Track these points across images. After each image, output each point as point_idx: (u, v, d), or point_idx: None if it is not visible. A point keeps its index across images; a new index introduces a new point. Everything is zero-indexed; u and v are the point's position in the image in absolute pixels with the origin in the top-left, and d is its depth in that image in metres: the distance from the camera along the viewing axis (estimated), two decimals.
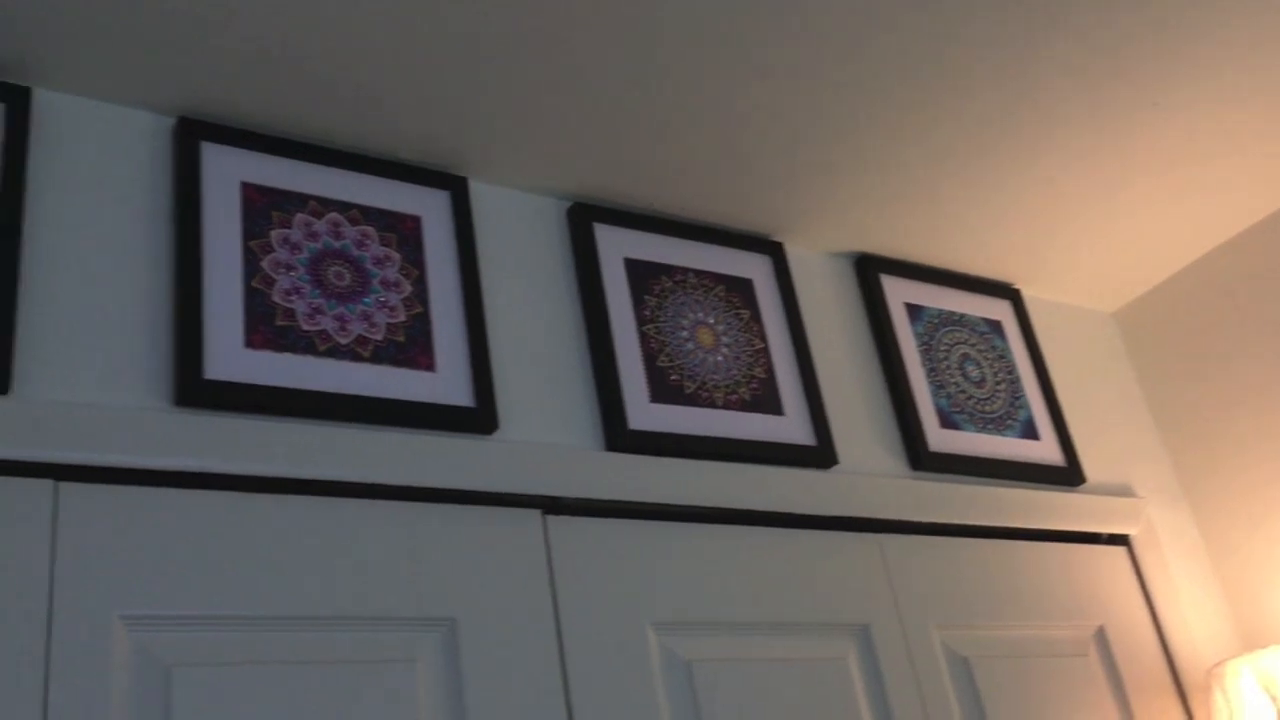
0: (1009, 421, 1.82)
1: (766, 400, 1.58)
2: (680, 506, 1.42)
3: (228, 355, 1.20)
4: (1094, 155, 1.68)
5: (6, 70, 1.21)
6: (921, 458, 1.67)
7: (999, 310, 1.95)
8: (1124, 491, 1.89)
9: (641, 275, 1.57)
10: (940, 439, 1.72)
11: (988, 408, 1.81)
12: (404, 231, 1.40)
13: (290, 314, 1.26)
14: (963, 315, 1.89)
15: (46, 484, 1.07)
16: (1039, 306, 2.04)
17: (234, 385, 1.19)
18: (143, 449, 1.11)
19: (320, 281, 1.31)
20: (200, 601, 1.09)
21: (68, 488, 1.08)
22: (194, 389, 1.16)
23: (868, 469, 1.63)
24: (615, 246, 1.56)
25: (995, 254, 1.90)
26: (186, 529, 1.11)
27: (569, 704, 1.23)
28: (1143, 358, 2.07)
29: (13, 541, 1.03)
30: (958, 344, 1.85)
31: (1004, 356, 1.89)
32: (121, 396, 1.14)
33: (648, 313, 1.54)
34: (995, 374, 1.86)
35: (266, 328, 1.24)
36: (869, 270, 1.81)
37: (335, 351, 1.27)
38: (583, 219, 1.55)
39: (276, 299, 1.26)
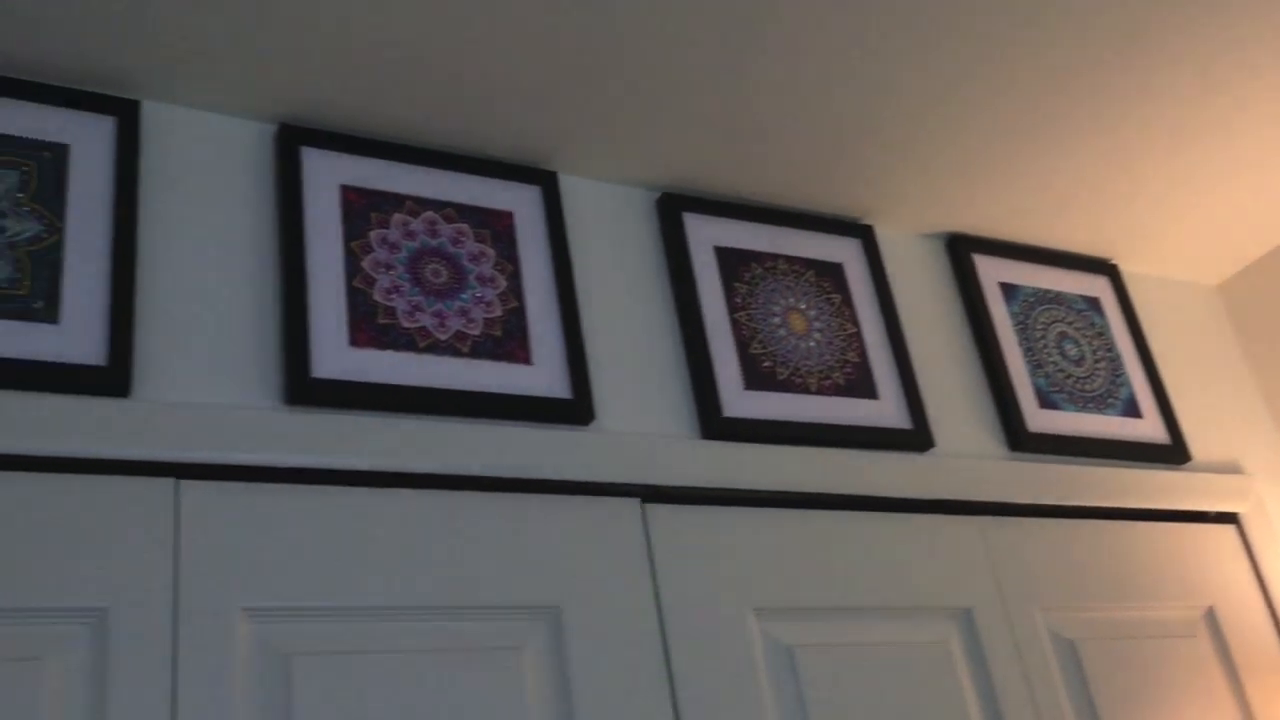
0: (1110, 400, 1.79)
1: (861, 384, 1.57)
2: (777, 492, 1.42)
3: (333, 354, 1.24)
4: (1194, 124, 1.64)
5: (116, 84, 1.26)
6: (1021, 439, 1.65)
7: (1096, 287, 1.91)
8: (1231, 468, 1.85)
9: (732, 263, 1.57)
10: (1039, 419, 1.69)
11: (1087, 386, 1.78)
12: (497, 228, 1.42)
13: (391, 312, 1.30)
14: (1059, 293, 1.86)
15: (168, 483, 1.11)
16: (1138, 281, 1.99)
17: (340, 383, 1.22)
18: (257, 447, 1.15)
19: (419, 279, 1.33)
20: (317, 593, 1.12)
21: (188, 485, 1.12)
22: (303, 387, 1.20)
23: (966, 451, 1.62)
24: (705, 235, 1.57)
25: (1091, 229, 1.86)
26: (301, 523, 1.15)
27: (673, 689, 1.25)
28: (1248, 331, 2.02)
29: (138, 538, 1.08)
30: (1054, 322, 1.82)
31: (1103, 334, 1.86)
32: (235, 396, 1.18)
33: (739, 300, 1.55)
34: (1094, 352, 1.83)
35: (369, 326, 1.27)
36: (961, 250, 1.79)
37: (435, 347, 1.30)
38: (672, 209, 1.56)
39: (378, 298, 1.30)
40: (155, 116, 1.29)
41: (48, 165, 1.20)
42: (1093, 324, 1.86)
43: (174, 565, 1.08)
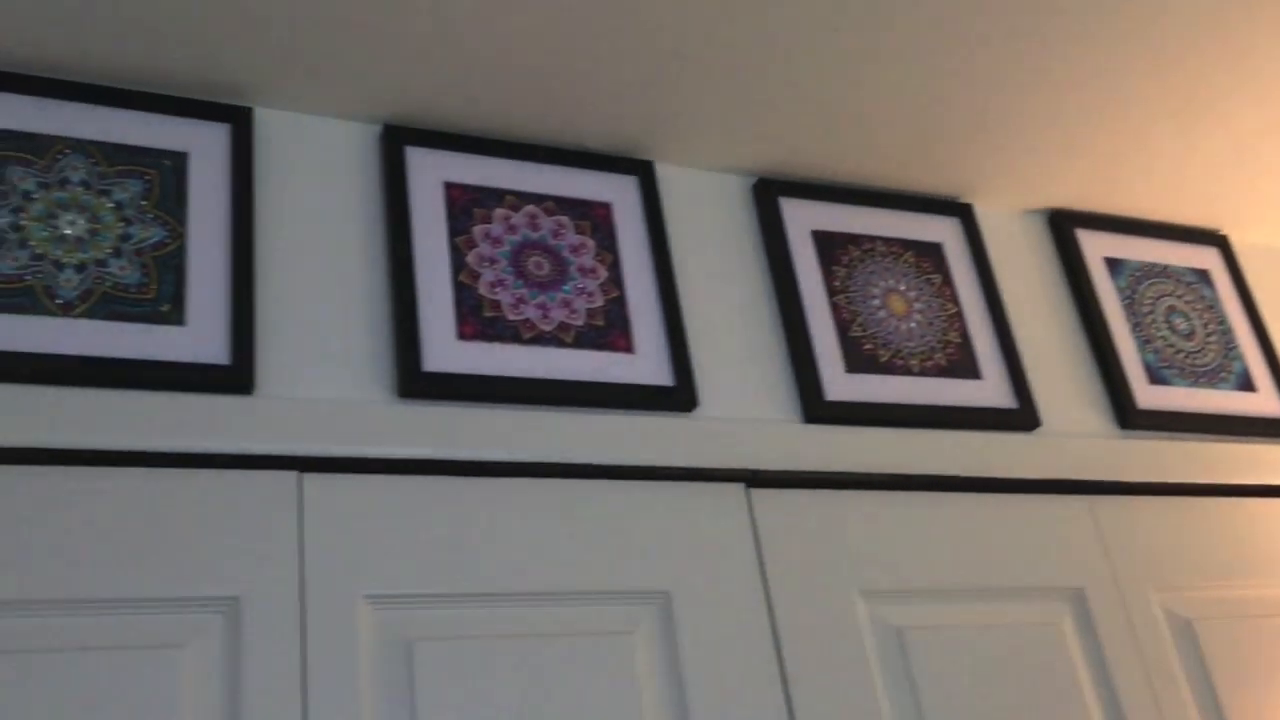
0: (1222, 374, 1.74)
1: (963, 365, 1.56)
2: (881, 475, 1.42)
3: (442, 348, 1.27)
4: None
5: (229, 92, 1.31)
6: (1130, 416, 1.62)
7: (1206, 258, 1.86)
8: None
9: (829, 246, 1.57)
10: (1149, 395, 1.66)
11: (1198, 361, 1.74)
12: (596, 219, 1.44)
13: (496, 305, 1.32)
14: (1166, 266, 1.82)
15: (291, 475, 1.16)
16: (1249, 252, 1.94)
17: (450, 376, 1.25)
18: (373, 439, 1.18)
19: (522, 272, 1.36)
20: (434, 580, 1.16)
21: (310, 478, 1.16)
22: (414, 381, 1.23)
23: (1073, 430, 1.59)
24: (802, 219, 1.57)
25: (1199, 200, 1.81)
26: (417, 512, 1.19)
27: (783, 671, 1.26)
28: None
29: (265, 530, 1.12)
30: (1163, 296, 1.78)
31: (1213, 306, 1.81)
32: (350, 391, 1.22)
33: (837, 283, 1.54)
34: (1205, 325, 1.78)
35: (475, 319, 1.30)
36: (1064, 225, 1.76)
37: (539, 339, 1.33)
38: (768, 194, 1.56)
39: (483, 292, 1.33)
40: (266, 122, 1.34)
41: (168, 173, 1.25)
42: (1202, 297, 1.82)
43: (299, 555, 1.12)
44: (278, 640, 1.08)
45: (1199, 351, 1.75)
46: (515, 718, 1.12)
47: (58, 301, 1.13)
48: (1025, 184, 1.71)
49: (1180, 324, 1.76)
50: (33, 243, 1.15)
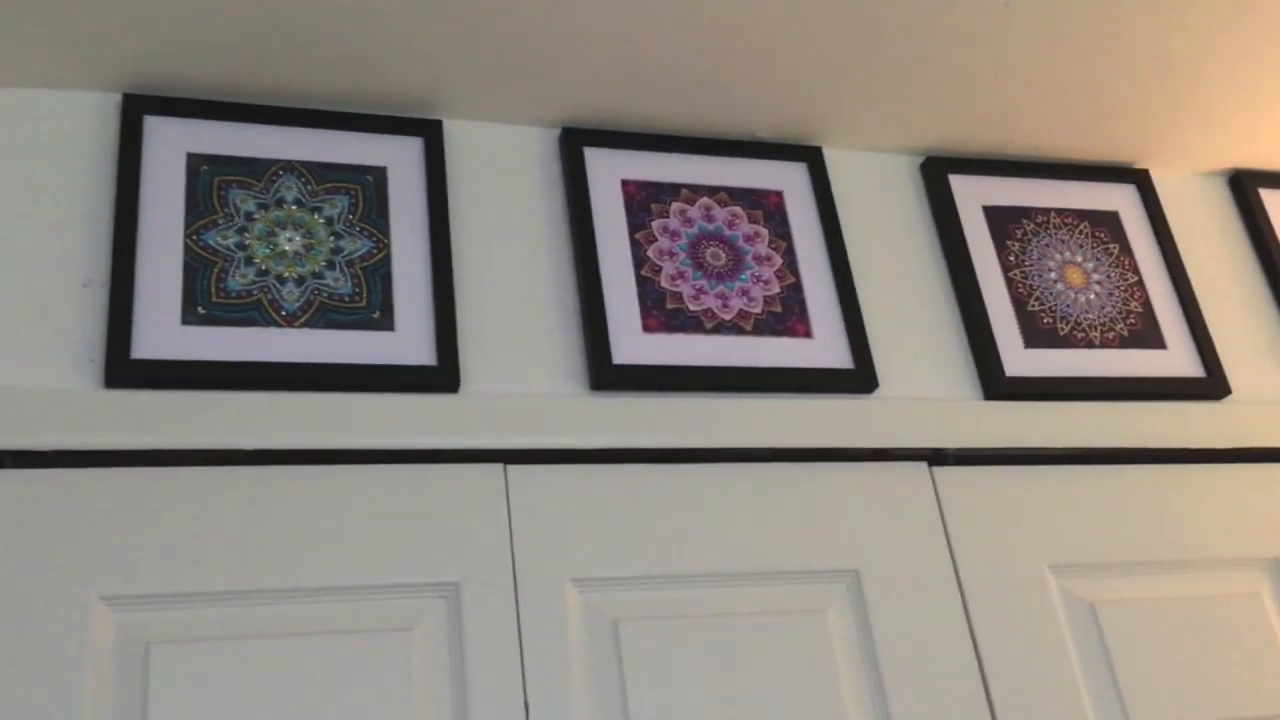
0: None
1: (1146, 334, 1.54)
2: (1066, 450, 1.42)
3: (630, 341, 1.33)
4: None
5: (420, 107, 1.39)
6: None
7: None
8: None
9: (1001, 221, 1.57)
10: None
11: None
12: (768, 206, 1.48)
13: (678, 297, 1.37)
14: None
15: (498, 468, 1.23)
16: None
17: (638, 367, 1.31)
18: (571, 431, 1.25)
19: (700, 264, 1.41)
20: (636, 563, 1.22)
21: (515, 469, 1.24)
22: (606, 374, 1.29)
23: (1267, 396, 1.56)
24: (972, 196, 1.57)
25: None
26: (617, 499, 1.25)
27: (976, 648, 1.28)
28: None
29: (478, 519, 1.20)
30: None
31: None
32: (547, 386, 1.29)
33: (1012, 258, 1.54)
34: None
35: (659, 312, 1.36)
36: (1245, 186, 1.71)
37: (721, 328, 1.37)
38: (937, 172, 1.57)
39: (664, 284, 1.38)
40: (455, 133, 1.41)
41: (370, 187, 1.33)
42: None
43: (509, 542, 1.20)
44: (495, 621, 1.15)
45: None
46: (717, 693, 1.18)
47: (282, 313, 1.23)
48: (1202, 146, 1.67)
49: None
50: (257, 260, 1.25)
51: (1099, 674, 1.31)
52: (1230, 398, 1.53)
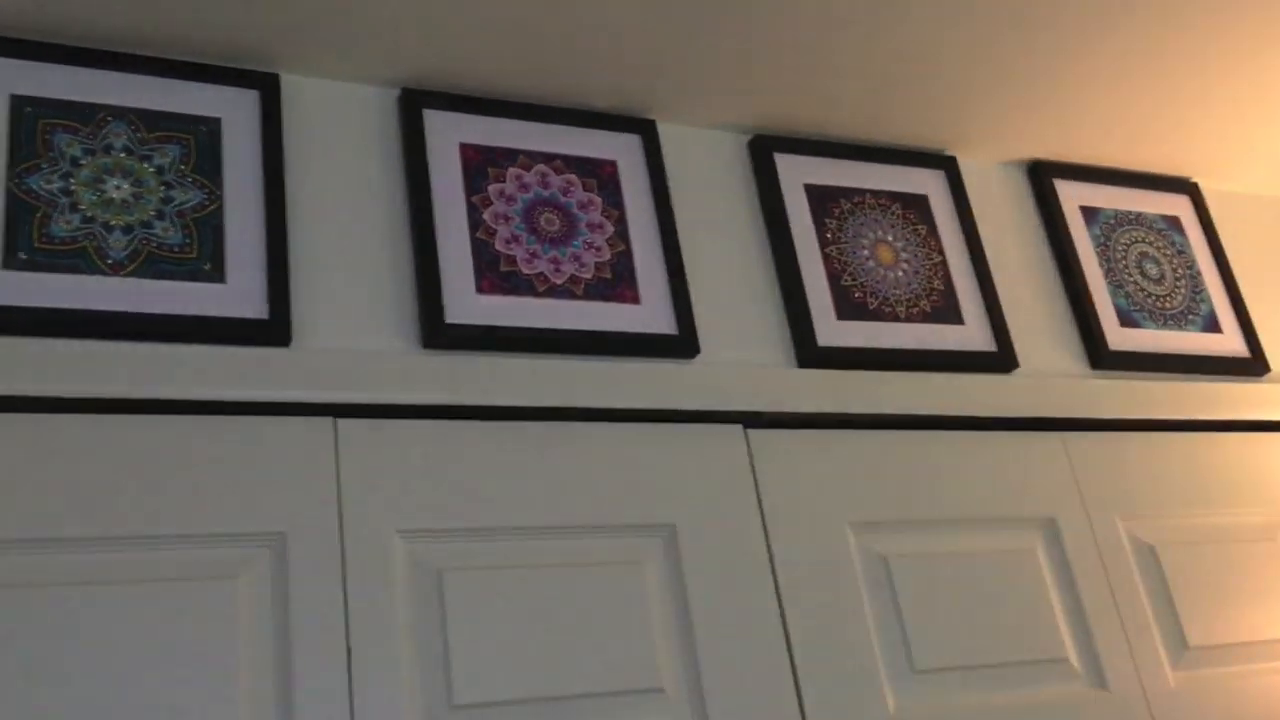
0: (1190, 316, 1.85)
1: (947, 310, 1.66)
2: (870, 415, 1.53)
3: (462, 301, 1.36)
4: (1272, 38, 1.66)
5: (257, 59, 1.38)
6: (1102, 357, 1.73)
7: (1177, 206, 1.96)
8: None
9: (821, 200, 1.66)
10: (1120, 337, 1.77)
11: (1168, 304, 1.84)
12: (603, 176, 1.53)
13: (512, 260, 1.42)
14: (1139, 214, 1.91)
15: (327, 421, 1.26)
16: (1219, 198, 2.04)
17: (470, 327, 1.35)
18: (401, 387, 1.28)
19: (534, 229, 1.45)
20: (460, 516, 1.26)
21: (344, 423, 1.26)
22: (438, 333, 1.33)
23: (1049, 370, 1.70)
24: (795, 174, 1.66)
25: (1172, 149, 1.91)
26: (444, 454, 1.29)
27: (779, 597, 1.38)
28: None
29: (306, 471, 1.22)
30: (1135, 243, 1.88)
31: (1183, 252, 1.92)
32: (379, 343, 1.32)
33: (829, 235, 1.64)
34: (1175, 270, 1.89)
35: (493, 274, 1.40)
36: (1043, 176, 1.85)
37: (552, 291, 1.42)
38: (764, 150, 1.65)
39: (499, 247, 1.42)
40: (294, 87, 1.41)
41: (204, 138, 1.33)
42: (1173, 243, 1.92)
43: (337, 494, 1.23)
44: (321, 571, 1.18)
45: (1168, 295, 1.86)
46: (536, 640, 1.24)
47: (108, 261, 1.22)
48: (1006, 137, 1.80)
49: (1151, 269, 1.87)
50: (83, 206, 1.24)
51: (889, 621, 1.43)
52: (1018, 371, 1.67)
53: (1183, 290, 1.87)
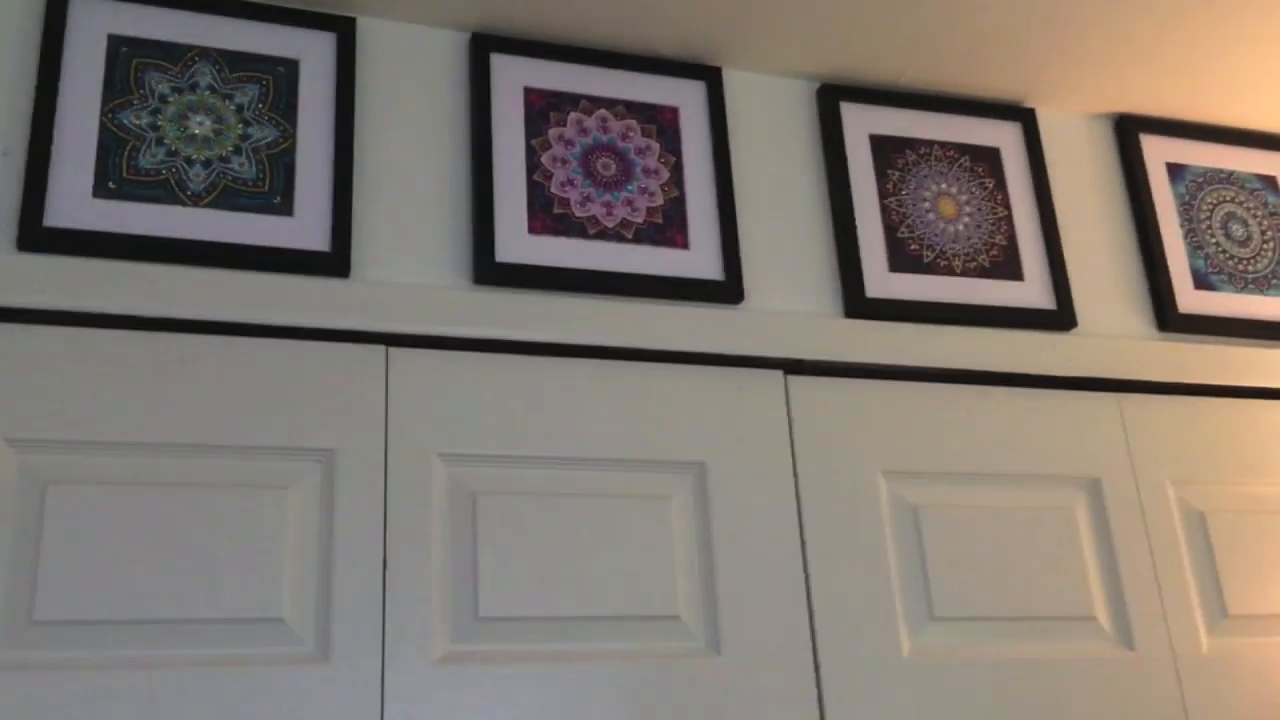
0: (1275, 280, 1.80)
1: (1007, 266, 1.66)
2: (913, 368, 1.55)
3: (515, 240, 1.44)
4: None
5: (336, 3, 1.47)
6: (1170, 319, 1.70)
7: (1276, 164, 1.89)
8: None
9: (885, 150, 1.67)
10: (1192, 300, 1.74)
11: (1251, 267, 1.80)
12: (663, 122, 1.57)
13: (565, 203, 1.48)
14: (1231, 172, 1.86)
15: (379, 350, 1.36)
16: None
17: (520, 266, 1.42)
18: (451, 321, 1.37)
19: (590, 173, 1.51)
20: (500, 444, 1.35)
21: (396, 352, 1.36)
22: (489, 270, 1.41)
23: (1110, 331, 1.69)
24: (861, 124, 1.67)
25: (1271, 104, 1.83)
26: (487, 385, 1.37)
27: (803, 539, 1.43)
28: None
29: (358, 394, 1.32)
30: (1222, 202, 1.83)
31: (1276, 213, 1.85)
32: (433, 277, 1.41)
33: (890, 186, 1.65)
34: (1264, 232, 1.83)
35: (546, 215, 1.46)
36: (1128, 130, 1.81)
37: (603, 234, 1.48)
38: (831, 99, 1.66)
39: (554, 190, 1.48)
40: (368, 30, 1.49)
41: (281, 79, 1.42)
42: (1266, 203, 1.86)
43: (384, 417, 1.33)
44: (365, 487, 1.29)
45: (1253, 258, 1.81)
46: (560, 563, 1.33)
47: (188, 193, 1.33)
48: (1090, 88, 1.76)
49: (1237, 230, 1.82)
50: (168, 140, 1.35)
51: (913, 569, 1.47)
52: (1076, 330, 1.66)
53: (1270, 252, 1.82)
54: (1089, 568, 1.54)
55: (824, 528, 1.45)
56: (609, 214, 1.50)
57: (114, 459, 1.24)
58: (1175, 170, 1.82)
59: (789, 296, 1.56)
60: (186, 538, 1.22)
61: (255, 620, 1.21)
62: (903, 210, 1.64)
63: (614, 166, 1.53)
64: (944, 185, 1.68)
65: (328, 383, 1.32)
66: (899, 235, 1.62)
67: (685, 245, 1.52)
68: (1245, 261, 1.80)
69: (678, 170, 1.55)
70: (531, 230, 1.45)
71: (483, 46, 1.52)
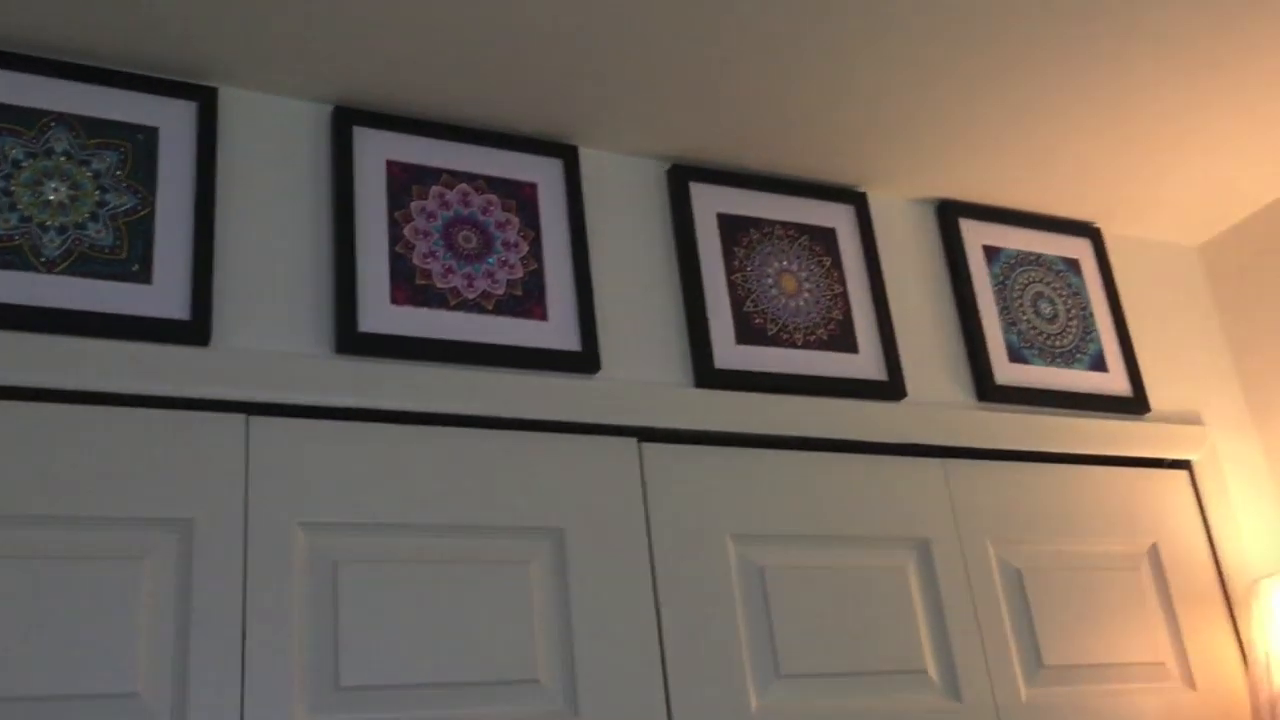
0: (1078, 355, 1.97)
1: (843, 339, 1.77)
2: (760, 435, 1.64)
3: (377, 311, 1.46)
4: (1176, 90, 1.75)
5: (197, 73, 1.47)
6: (988, 390, 1.84)
7: (1078, 248, 2.08)
8: (1190, 419, 2.03)
9: (732, 229, 1.77)
10: (1008, 372, 1.88)
11: (1058, 342, 1.96)
12: (522, 197, 1.63)
13: (427, 274, 1.52)
14: (1040, 255, 2.03)
15: (240, 418, 1.36)
16: (1120, 243, 2.15)
17: (382, 336, 1.45)
18: (312, 389, 1.38)
19: (451, 245, 1.55)
20: (361, 511, 1.37)
21: (256, 420, 1.36)
22: (351, 339, 1.43)
23: (936, 400, 1.82)
24: (709, 203, 1.76)
25: (1077, 193, 2.02)
26: (349, 453, 1.39)
27: (657, 600, 1.49)
28: (1224, 290, 2.17)
29: (216, 463, 1.32)
30: (1032, 283, 1.99)
31: (1079, 293, 2.03)
32: (294, 346, 1.42)
33: (736, 263, 1.75)
34: (1068, 310, 2.00)
35: (408, 286, 1.50)
36: (950, 215, 1.97)
37: (464, 305, 1.52)
38: (680, 179, 1.75)
39: (416, 262, 1.52)
40: (231, 100, 1.51)
41: (141, 146, 1.42)
42: (1069, 284, 2.03)
43: (245, 486, 1.33)
44: (224, 556, 1.28)
45: (1060, 334, 1.97)
46: (422, 629, 1.35)
47: (42, 259, 1.31)
48: (917, 175, 1.91)
49: (1045, 308, 1.98)
50: (20, 206, 1.33)
51: (760, 628, 1.54)
52: (906, 400, 1.79)
53: (1074, 329, 1.99)
54: (919, 623, 1.65)
55: (677, 589, 1.51)
56: (470, 285, 1.54)
57: None
58: (991, 252, 1.98)
59: (642, 367, 1.63)
60: (38, 607, 1.19)
61: (108, 696, 1.19)
62: (748, 285, 1.74)
63: (475, 239, 1.57)
64: (785, 263, 1.79)
65: (187, 451, 1.31)
66: (745, 309, 1.72)
67: (544, 317, 1.57)
68: (1053, 337, 1.96)
69: (536, 244, 1.61)
70: (394, 300, 1.48)
71: (346, 119, 1.55)
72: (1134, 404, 1.97)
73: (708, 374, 1.64)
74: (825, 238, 1.84)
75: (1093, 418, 1.92)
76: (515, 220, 1.61)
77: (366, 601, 1.33)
